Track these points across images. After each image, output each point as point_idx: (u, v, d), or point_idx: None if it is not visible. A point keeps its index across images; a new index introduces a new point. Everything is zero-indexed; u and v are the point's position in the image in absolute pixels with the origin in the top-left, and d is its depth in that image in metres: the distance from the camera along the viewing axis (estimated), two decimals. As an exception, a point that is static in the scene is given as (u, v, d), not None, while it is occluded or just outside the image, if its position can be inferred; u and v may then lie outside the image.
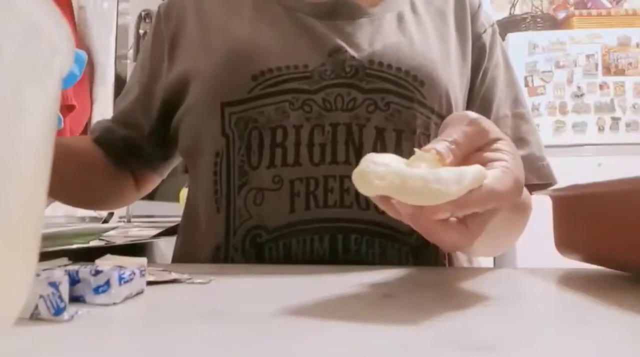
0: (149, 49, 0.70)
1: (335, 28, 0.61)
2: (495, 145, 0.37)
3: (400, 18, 0.65)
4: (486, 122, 0.38)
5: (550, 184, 0.65)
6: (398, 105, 0.58)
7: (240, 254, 0.56)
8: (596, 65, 2.43)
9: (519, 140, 0.64)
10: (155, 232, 0.86)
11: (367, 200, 0.56)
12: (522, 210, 0.63)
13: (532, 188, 0.63)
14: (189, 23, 0.66)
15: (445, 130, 0.38)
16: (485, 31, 0.69)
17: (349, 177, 0.35)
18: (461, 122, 0.37)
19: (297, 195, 0.55)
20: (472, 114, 0.38)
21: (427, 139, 0.59)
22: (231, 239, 0.56)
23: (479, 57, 0.68)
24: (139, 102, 0.69)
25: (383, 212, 0.57)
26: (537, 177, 0.64)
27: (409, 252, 0.57)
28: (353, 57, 0.59)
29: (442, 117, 0.61)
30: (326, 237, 0.55)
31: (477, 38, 0.68)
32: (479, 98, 0.67)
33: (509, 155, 0.37)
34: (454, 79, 0.64)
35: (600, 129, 2.39)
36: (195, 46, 0.64)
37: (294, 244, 0.55)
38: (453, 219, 0.34)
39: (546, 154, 0.67)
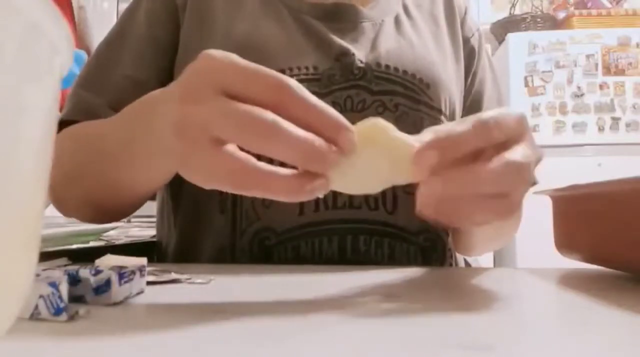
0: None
1: (339, 31, 0.62)
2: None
3: (397, 21, 0.66)
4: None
5: (533, 183, 0.67)
6: (406, 107, 0.59)
7: (248, 257, 0.55)
8: (596, 65, 2.43)
9: None
10: (155, 232, 0.85)
11: (376, 200, 0.56)
12: None
13: None
14: (188, 10, 0.63)
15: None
16: (473, 35, 0.73)
17: None
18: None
19: None
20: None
21: None
22: (237, 241, 0.56)
23: (469, 60, 0.71)
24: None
25: (392, 212, 0.57)
26: None
27: (418, 252, 0.58)
28: (360, 60, 0.59)
29: (448, 118, 0.63)
30: (335, 238, 0.55)
31: (466, 41, 0.71)
32: (469, 98, 0.70)
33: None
34: (452, 81, 0.65)
35: (600, 129, 2.39)
36: (194, 35, 0.62)
37: (302, 247, 0.55)
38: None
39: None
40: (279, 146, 0.29)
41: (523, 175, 0.33)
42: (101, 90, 0.60)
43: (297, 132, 0.29)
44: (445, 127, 0.34)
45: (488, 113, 0.33)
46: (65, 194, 0.57)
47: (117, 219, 0.61)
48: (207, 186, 0.32)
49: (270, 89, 0.30)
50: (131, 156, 0.43)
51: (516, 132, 0.34)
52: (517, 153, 0.33)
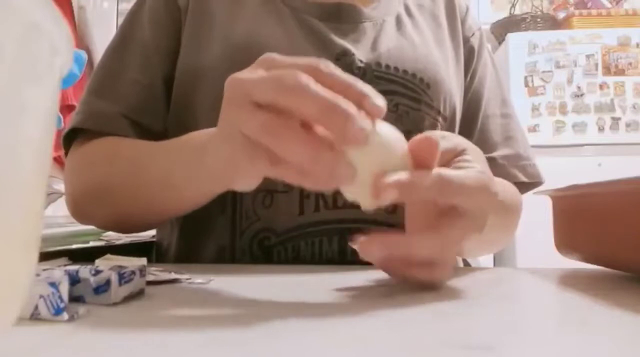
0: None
1: (340, 31, 0.62)
2: (463, 158, 0.37)
3: (398, 21, 0.66)
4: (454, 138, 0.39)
5: (538, 183, 0.67)
6: (406, 107, 0.59)
7: (248, 257, 0.55)
8: (596, 65, 2.43)
9: (508, 139, 0.68)
10: (155, 232, 0.86)
11: None
12: (511, 211, 0.64)
13: (520, 188, 0.67)
14: (190, 11, 0.63)
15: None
16: (473, 34, 0.72)
17: None
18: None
19: (307, 197, 0.55)
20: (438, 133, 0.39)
21: None
22: (237, 241, 0.56)
23: (468, 59, 0.71)
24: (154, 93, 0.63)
25: (392, 212, 0.57)
26: (524, 175, 0.67)
27: None
28: (360, 60, 0.59)
29: (447, 119, 0.63)
30: (335, 238, 0.55)
31: (466, 41, 0.71)
32: (468, 96, 0.70)
33: (477, 165, 0.37)
34: (452, 81, 0.65)
35: (600, 129, 2.39)
36: (195, 37, 0.62)
37: (302, 247, 0.55)
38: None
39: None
40: (307, 100, 0.30)
41: (452, 252, 0.35)
42: (112, 97, 0.60)
43: (325, 90, 0.31)
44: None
45: (454, 173, 0.34)
46: (91, 207, 0.58)
47: (142, 231, 0.64)
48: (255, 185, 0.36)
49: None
50: (182, 184, 0.47)
51: (473, 196, 0.35)
52: (455, 229, 0.34)
